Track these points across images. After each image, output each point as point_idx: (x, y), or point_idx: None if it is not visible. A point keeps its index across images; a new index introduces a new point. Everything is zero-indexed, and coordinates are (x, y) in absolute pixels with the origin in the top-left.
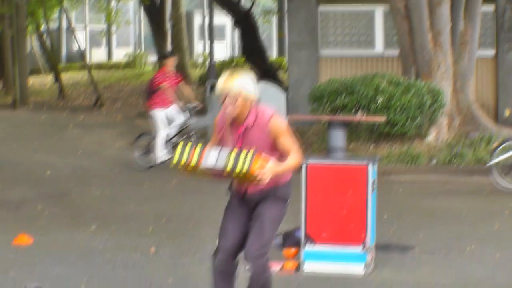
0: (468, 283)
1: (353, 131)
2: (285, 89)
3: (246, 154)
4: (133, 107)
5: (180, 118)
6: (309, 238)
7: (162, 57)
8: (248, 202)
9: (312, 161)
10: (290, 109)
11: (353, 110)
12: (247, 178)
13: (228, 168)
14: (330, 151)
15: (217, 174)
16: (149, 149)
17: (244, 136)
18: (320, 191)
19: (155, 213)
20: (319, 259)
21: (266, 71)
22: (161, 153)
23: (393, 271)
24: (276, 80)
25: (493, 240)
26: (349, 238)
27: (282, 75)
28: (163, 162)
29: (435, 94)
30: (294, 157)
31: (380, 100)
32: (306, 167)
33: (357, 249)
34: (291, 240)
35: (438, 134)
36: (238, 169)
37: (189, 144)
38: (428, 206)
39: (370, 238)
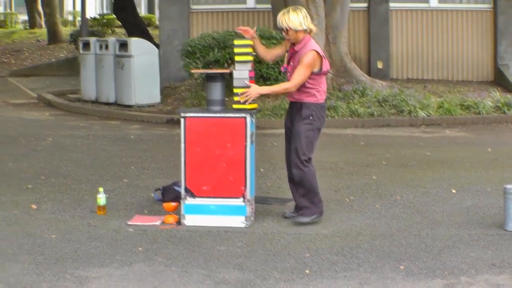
0: (349, 233)
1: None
2: (156, 45)
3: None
4: (6, 66)
5: None
6: (189, 192)
7: None
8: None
9: (191, 114)
10: (163, 65)
11: (226, 65)
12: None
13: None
14: (208, 104)
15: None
16: None
17: (290, 56)
18: (199, 144)
19: (33, 170)
20: (200, 213)
21: (136, 28)
22: None
23: (273, 223)
24: (147, 37)
25: (371, 190)
26: (229, 191)
27: (152, 31)
28: None
29: None
30: (286, 84)
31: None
32: (185, 120)
33: (237, 202)
34: (170, 194)
35: None
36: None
37: None
38: None
39: (250, 191)
